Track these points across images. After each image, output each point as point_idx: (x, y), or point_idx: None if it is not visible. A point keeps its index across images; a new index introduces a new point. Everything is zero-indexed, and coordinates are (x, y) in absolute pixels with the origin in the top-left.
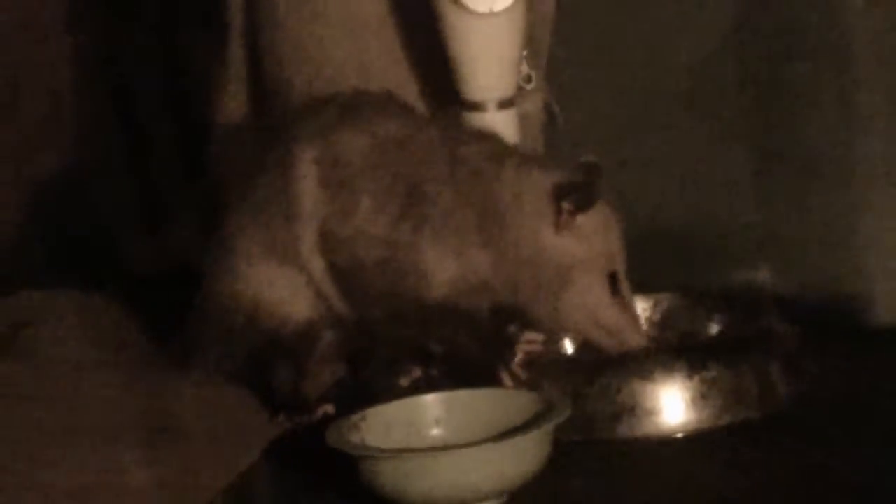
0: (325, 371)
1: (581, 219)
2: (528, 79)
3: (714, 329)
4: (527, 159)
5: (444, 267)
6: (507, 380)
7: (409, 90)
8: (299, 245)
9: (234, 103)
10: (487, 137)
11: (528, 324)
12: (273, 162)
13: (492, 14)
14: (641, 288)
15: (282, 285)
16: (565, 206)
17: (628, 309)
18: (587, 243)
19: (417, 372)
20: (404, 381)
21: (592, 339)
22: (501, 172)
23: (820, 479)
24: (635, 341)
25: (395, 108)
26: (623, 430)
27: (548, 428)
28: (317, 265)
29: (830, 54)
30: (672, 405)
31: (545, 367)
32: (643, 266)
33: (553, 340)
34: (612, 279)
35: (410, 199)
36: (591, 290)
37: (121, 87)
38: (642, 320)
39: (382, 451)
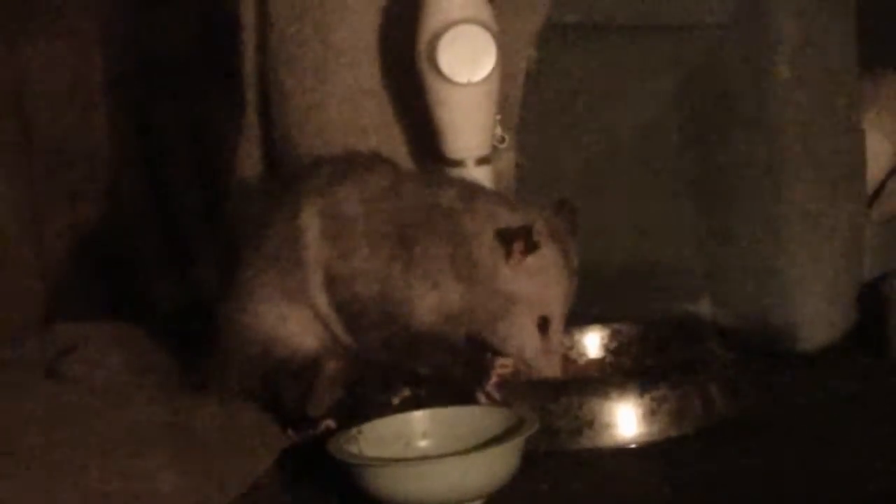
0: (329, 392)
1: (529, 261)
2: (502, 139)
3: (662, 354)
4: (496, 199)
5: (428, 299)
6: (482, 399)
7: (399, 149)
8: (307, 286)
9: (248, 162)
10: (460, 182)
11: (499, 351)
12: (282, 216)
13: (470, 84)
14: (600, 320)
15: (292, 321)
16: (515, 246)
17: (551, 351)
18: (528, 283)
19: (407, 392)
20: (395, 400)
21: (518, 366)
22: (469, 211)
23: (754, 484)
24: (545, 374)
25: (382, 165)
26: (584, 442)
27: (519, 440)
28: (322, 302)
29: (760, 122)
30: (626, 420)
31: (516, 388)
32: (600, 300)
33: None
34: (544, 321)
35: (398, 242)
36: (519, 324)
37: (153, 148)
38: (597, 350)
39: (376, 460)
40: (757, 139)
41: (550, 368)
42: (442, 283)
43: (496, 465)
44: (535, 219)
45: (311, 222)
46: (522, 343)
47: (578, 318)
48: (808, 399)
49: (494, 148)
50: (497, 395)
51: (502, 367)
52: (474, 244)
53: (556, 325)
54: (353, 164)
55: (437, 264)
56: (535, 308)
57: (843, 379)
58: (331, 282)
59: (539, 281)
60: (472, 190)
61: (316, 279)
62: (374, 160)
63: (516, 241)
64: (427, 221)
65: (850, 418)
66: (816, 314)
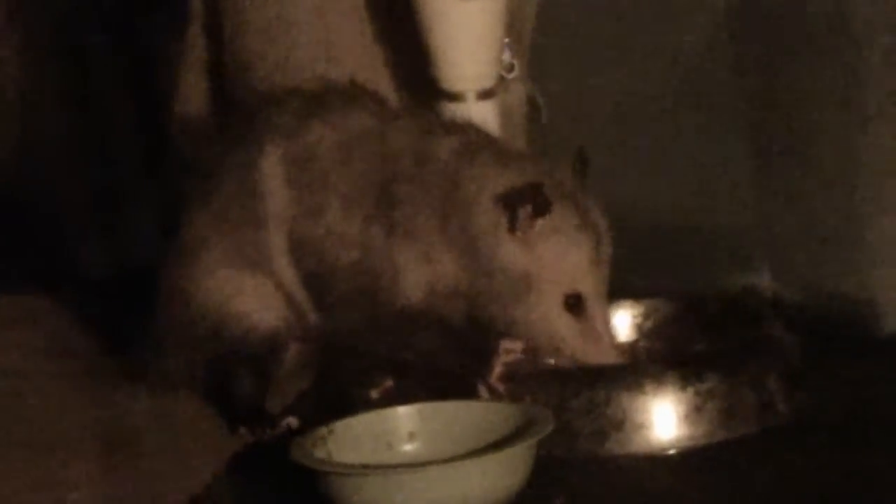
0: (291, 383)
1: (540, 226)
2: (511, 68)
3: (709, 338)
4: (502, 154)
5: (415, 271)
6: (484, 393)
7: (382, 79)
8: (268, 249)
9: (193, 94)
10: (461, 129)
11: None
12: (237, 160)
13: None
14: (632, 294)
15: (249, 292)
16: (523, 210)
17: (596, 334)
18: (540, 256)
19: (389, 382)
20: (374, 393)
21: (557, 359)
22: (469, 169)
23: (822, 498)
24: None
25: (366, 99)
26: (610, 447)
27: (529, 443)
28: (287, 271)
29: (835, 45)
30: (664, 420)
31: (527, 378)
32: (634, 271)
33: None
34: (577, 300)
35: (380, 198)
36: (543, 309)
37: (77, 78)
38: (628, 332)
39: (350, 467)
40: (830, 68)
41: (600, 356)
42: (432, 254)
43: (500, 474)
44: (540, 175)
45: (273, 169)
46: (552, 332)
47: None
48: (891, 393)
49: (501, 78)
50: (502, 388)
51: (508, 352)
52: (472, 213)
53: (595, 302)
54: (328, 99)
55: (426, 231)
56: (557, 285)
57: None
58: (297, 245)
59: (556, 250)
60: (476, 142)
61: (278, 241)
62: (356, 94)
63: (522, 205)
64: (417, 176)
65: None
66: None
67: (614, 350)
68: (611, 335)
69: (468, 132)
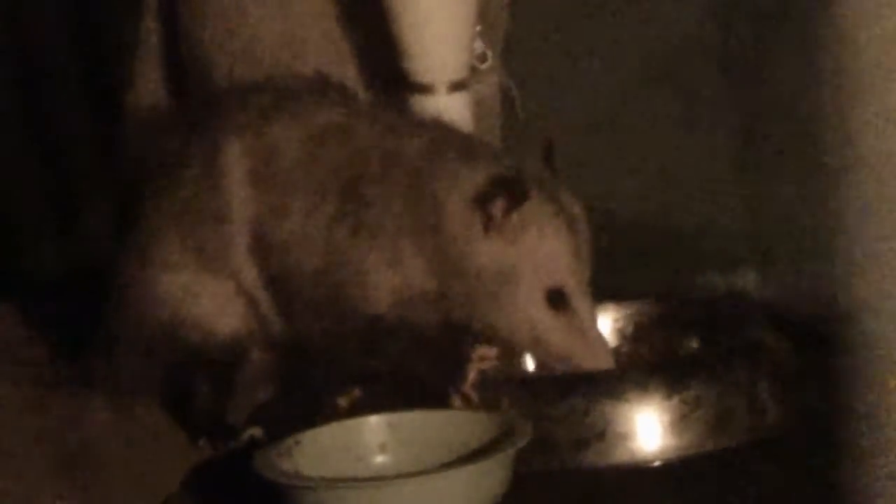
0: (254, 391)
1: (515, 219)
2: (483, 58)
3: (695, 343)
4: (471, 152)
5: (383, 276)
6: (457, 402)
7: (347, 71)
8: (229, 250)
9: (148, 85)
10: (430, 129)
11: (483, 336)
12: (197, 156)
13: None
14: (613, 296)
15: (207, 295)
16: (496, 205)
17: (582, 330)
18: (518, 251)
19: (358, 391)
20: (343, 402)
21: (544, 362)
22: (438, 170)
23: None
24: (590, 366)
25: (334, 93)
26: (591, 458)
27: (505, 455)
28: (248, 273)
29: (826, 36)
30: (648, 429)
31: (503, 386)
32: (614, 271)
33: (511, 355)
34: (559, 295)
35: (346, 198)
36: (522, 306)
37: (27, 67)
38: (609, 337)
39: (319, 480)
40: (825, 51)
41: (592, 358)
42: (401, 258)
43: (476, 487)
44: (510, 167)
45: (235, 163)
46: (535, 331)
47: None
48: (891, 402)
49: (474, 69)
50: (476, 397)
51: (483, 359)
52: (442, 214)
53: (579, 296)
54: (295, 93)
55: (394, 234)
56: (538, 280)
57: None
58: (259, 248)
59: (533, 242)
60: (443, 141)
61: (240, 241)
62: (324, 88)
63: (494, 200)
64: (384, 177)
65: None
66: None
67: (602, 346)
68: (597, 330)
69: (435, 130)
